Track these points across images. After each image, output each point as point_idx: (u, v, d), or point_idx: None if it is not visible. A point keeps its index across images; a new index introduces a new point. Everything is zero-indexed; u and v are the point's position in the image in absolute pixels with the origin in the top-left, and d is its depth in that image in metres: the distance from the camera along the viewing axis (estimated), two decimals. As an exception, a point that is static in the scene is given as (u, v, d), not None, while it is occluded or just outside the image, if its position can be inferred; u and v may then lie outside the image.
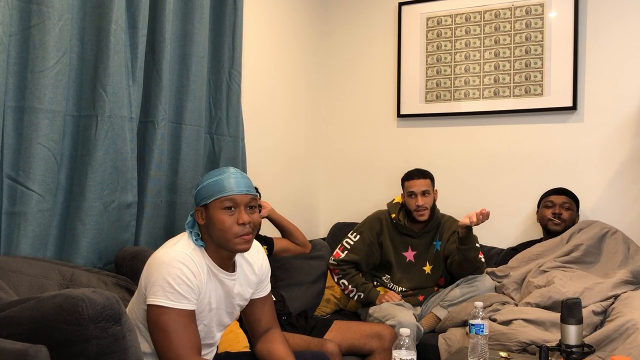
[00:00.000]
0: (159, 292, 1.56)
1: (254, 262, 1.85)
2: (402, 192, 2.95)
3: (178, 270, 1.58)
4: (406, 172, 2.94)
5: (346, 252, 2.90)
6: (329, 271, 2.97)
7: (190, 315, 1.60)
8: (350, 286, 2.86)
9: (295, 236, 2.79)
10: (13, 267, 1.74)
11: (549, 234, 2.96)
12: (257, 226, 1.76)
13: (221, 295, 1.73)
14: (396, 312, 2.58)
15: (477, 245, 2.76)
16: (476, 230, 2.78)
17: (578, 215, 2.98)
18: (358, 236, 2.92)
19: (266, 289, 1.90)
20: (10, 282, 1.70)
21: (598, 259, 2.75)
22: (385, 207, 3.00)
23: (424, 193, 2.83)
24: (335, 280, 2.91)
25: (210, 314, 1.71)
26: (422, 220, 2.84)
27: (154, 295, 1.57)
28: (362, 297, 2.84)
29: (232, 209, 1.65)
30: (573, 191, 2.99)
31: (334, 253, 2.93)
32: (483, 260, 2.83)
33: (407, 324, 2.48)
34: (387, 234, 2.92)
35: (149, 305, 1.58)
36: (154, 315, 1.57)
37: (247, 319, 1.90)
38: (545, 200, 3.00)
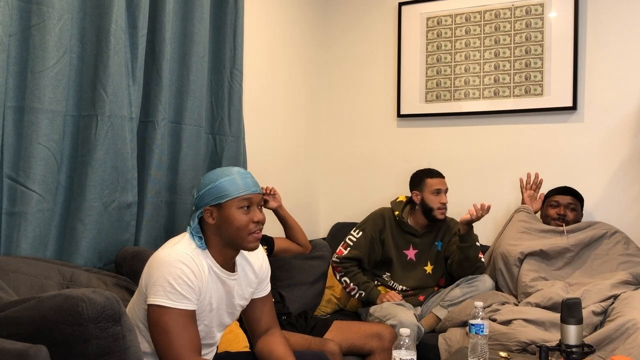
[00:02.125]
0: (160, 291, 1.56)
1: (254, 262, 1.85)
2: (410, 190, 2.93)
3: (179, 270, 1.58)
4: (424, 169, 2.93)
5: (349, 248, 2.90)
6: (331, 269, 2.97)
7: (191, 315, 1.60)
8: (351, 284, 2.86)
9: (298, 235, 2.79)
10: (13, 267, 1.74)
11: None
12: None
13: (222, 295, 1.73)
14: (397, 312, 2.58)
15: (478, 244, 2.76)
16: (477, 229, 2.78)
17: (582, 215, 2.97)
18: (360, 233, 2.93)
19: (266, 288, 1.90)
20: (10, 282, 1.70)
21: (595, 260, 2.74)
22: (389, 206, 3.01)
23: (446, 191, 2.85)
24: (337, 277, 2.91)
25: (210, 314, 1.71)
26: (440, 218, 2.85)
27: (155, 295, 1.57)
28: (363, 295, 2.84)
29: (248, 207, 1.68)
30: (573, 191, 2.99)
31: (337, 250, 2.93)
32: (483, 260, 2.83)
33: (408, 323, 2.48)
34: (389, 231, 2.92)
35: (150, 305, 1.58)
36: (155, 315, 1.57)
37: (247, 318, 1.90)
38: (550, 199, 2.98)
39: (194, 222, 1.70)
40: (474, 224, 2.72)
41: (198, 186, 1.73)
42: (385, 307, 2.67)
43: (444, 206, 2.84)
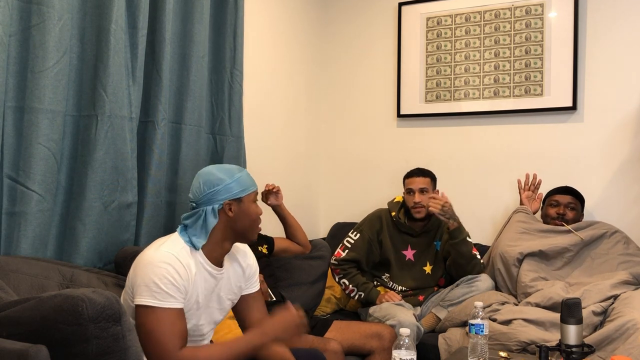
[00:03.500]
0: (145, 292, 1.57)
1: (241, 259, 1.88)
2: (403, 190, 2.96)
3: (164, 270, 1.59)
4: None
5: (347, 251, 2.90)
6: (330, 271, 2.97)
7: (178, 313, 1.61)
8: (351, 286, 2.86)
9: (298, 234, 2.79)
10: (13, 267, 1.75)
11: None
12: None
13: (210, 291, 1.74)
14: (396, 312, 2.58)
15: (469, 239, 2.77)
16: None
17: (583, 214, 2.97)
18: (358, 234, 2.93)
19: (255, 285, 1.92)
20: (10, 282, 1.70)
21: (595, 260, 2.74)
22: (386, 207, 3.00)
23: (421, 191, 2.84)
24: (337, 280, 2.91)
25: (198, 312, 1.72)
26: (418, 217, 2.85)
27: (141, 296, 1.58)
28: (362, 296, 2.84)
29: (256, 201, 1.80)
30: (574, 191, 2.99)
31: (335, 253, 2.94)
32: (479, 257, 2.83)
33: (407, 323, 2.48)
34: (386, 232, 2.92)
35: (137, 306, 1.59)
36: (142, 315, 1.58)
37: (238, 316, 1.92)
38: (550, 199, 2.98)
39: (214, 217, 1.70)
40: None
41: (207, 182, 1.72)
42: (385, 308, 2.67)
43: (417, 205, 2.83)
